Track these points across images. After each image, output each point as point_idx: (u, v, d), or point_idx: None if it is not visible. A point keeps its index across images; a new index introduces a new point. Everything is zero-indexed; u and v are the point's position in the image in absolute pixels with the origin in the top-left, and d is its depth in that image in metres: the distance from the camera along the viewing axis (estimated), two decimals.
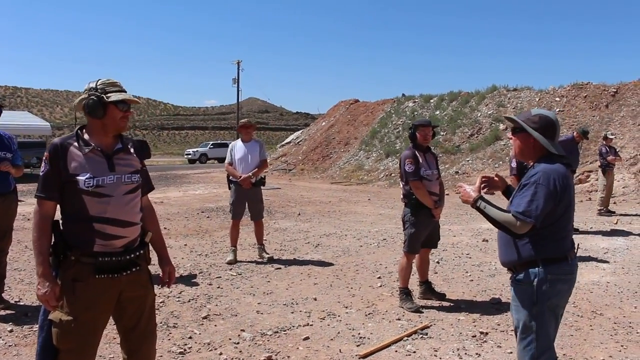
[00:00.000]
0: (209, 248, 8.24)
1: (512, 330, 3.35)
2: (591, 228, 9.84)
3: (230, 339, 4.44)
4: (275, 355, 4.10)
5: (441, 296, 5.47)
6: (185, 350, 4.22)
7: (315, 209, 12.89)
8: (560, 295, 2.72)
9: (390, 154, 21.20)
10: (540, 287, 2.65)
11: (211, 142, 45.90)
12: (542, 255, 2.67)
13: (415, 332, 4.48)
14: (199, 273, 6.64)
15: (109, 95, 2.66)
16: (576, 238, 8.58)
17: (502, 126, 19.38)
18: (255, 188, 7.28)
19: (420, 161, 5.11)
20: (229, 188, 7.42)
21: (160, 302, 5.44)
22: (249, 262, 7.27)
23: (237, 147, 7.29)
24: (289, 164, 24.68)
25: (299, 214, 12.01)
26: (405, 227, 5.21)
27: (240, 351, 4.19)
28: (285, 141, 29.75)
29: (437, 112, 22.87)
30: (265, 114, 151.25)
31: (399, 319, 4.88)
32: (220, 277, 6.47)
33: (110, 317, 2.83)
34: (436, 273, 6.56)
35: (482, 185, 3.04)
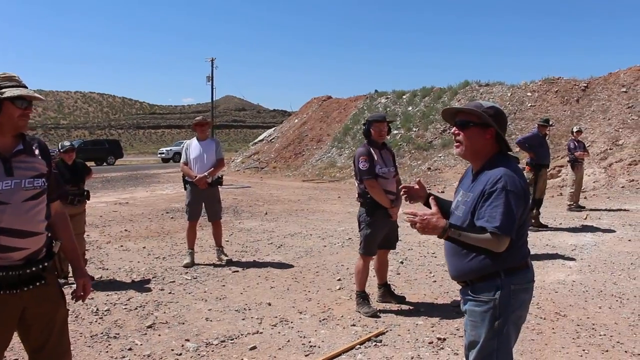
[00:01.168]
0: (168, 250, 7.93)
1: None
2: (560, 224, 9.73)
3: (172, 350, 4.16)
4: None
5: (401, 299, 5.24)
6: None
7: (283, 208, 12.61)
8: (524, 307, 2.45)
9: None
10: (504, 300, 2.36)
11: (184, 141, 45.28)
12: (505, 265, 2.36)
13: (368, 339, 4.25)
14: (153, 278, 6.34)
15: (3, 91, 2.37)
16: (545, 235, 8.57)
17: None
18: (212, 188, 6.98)
19: (376, 158, 4.87)
20: (185, 189, 7.13)
21: (106, 310, 5.14)
22: (206, 265, 6.98)
23: (193, 146, 6.99)
24: (261, 162, 24.34)
25: (266, 213, 11.72)
26: (361, 228, 4.97)
27: None
28: (258, 139, 29.37)
29: (410, 108, 22.72)
30: (242, 112, 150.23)
31: (354, 325, 4.63)
32: (174, 281, 6.17)
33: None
34: (399, 274, 6.34)
35: (403, 196, 2.77)
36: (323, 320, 4.79)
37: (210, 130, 7.17)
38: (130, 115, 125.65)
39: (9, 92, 2.37)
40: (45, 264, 2.50)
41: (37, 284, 2.46)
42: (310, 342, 4.26)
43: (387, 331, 4.46)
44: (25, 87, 2.47)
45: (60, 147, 5.98)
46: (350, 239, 8.61)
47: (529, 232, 8.64)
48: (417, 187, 2.78)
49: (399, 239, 5.39)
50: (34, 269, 2.44)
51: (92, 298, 5.55)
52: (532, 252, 7.72)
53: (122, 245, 8.31)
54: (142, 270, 6.72)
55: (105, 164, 35.41)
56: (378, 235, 4.90)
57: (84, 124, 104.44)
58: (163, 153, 42.33)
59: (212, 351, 4.13)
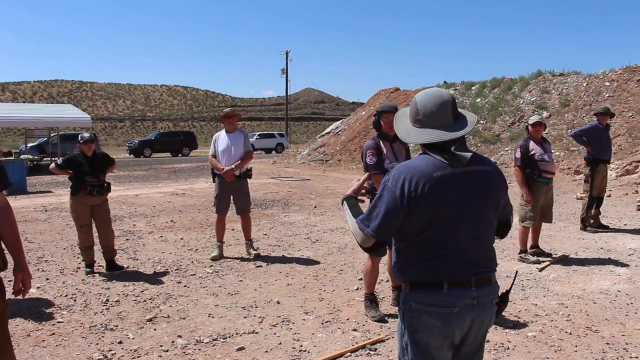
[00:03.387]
0: (204, 243, 7.92)
1: None
2: (625, 225, 8.89)
3: (161, 346, 4.06)
4: None
5: None
6: (107, 357, 3.89)
7: (334, 202, 12.38)
8: (430, 332, 2.05)
9: None
10: (404, 314, 2.11)
11: (257, 133, 45.94)
12: (408, 277, 2.11)
13: (363, 347, 3.96)
14: (176, 270, 6.32)
15: None
16: (603, 237, 7.84)
17: (545, 114, 18.21)
18: (240, 181, 6.88)
19: (385, 152, 4.55)
20: (213, 181, 7.06)
21: (115, 301, 5.15)
22: (234, 258, 6.89)
23: (221, 139, 6.90)
24: (326, 155, 24.19)
25: (315, 207, 11.54)
26: None
27: None
28: (325, 132, 29.25)
29: (478, 100, 21.76)
30: (322, 104, 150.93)
31: (355, 330, 4.36)
32: (194, 274, 6.12)
33: None
34: None
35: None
36: (326, 322, 4.55)
37: (238, 123, 7.04)
38: (212, 107, 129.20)
39: None
40: None
41: None
42: (301, 346, 4.03)
43: (387, 339, 4.15)
44: None
45: (80, 139, 6.01)
46: None
47: (587, 232, 7.79)
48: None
49: None
50: None
51: (109, 288, 5.59)
52: (583, 257, 6.99)
53: (161, 236, 8.40)
54: (169, 262, 6.72)
55: (180, 155, 36.54)
56: None
57: (168, 116, 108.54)
58: None
59: (199, 350, 3.99)
